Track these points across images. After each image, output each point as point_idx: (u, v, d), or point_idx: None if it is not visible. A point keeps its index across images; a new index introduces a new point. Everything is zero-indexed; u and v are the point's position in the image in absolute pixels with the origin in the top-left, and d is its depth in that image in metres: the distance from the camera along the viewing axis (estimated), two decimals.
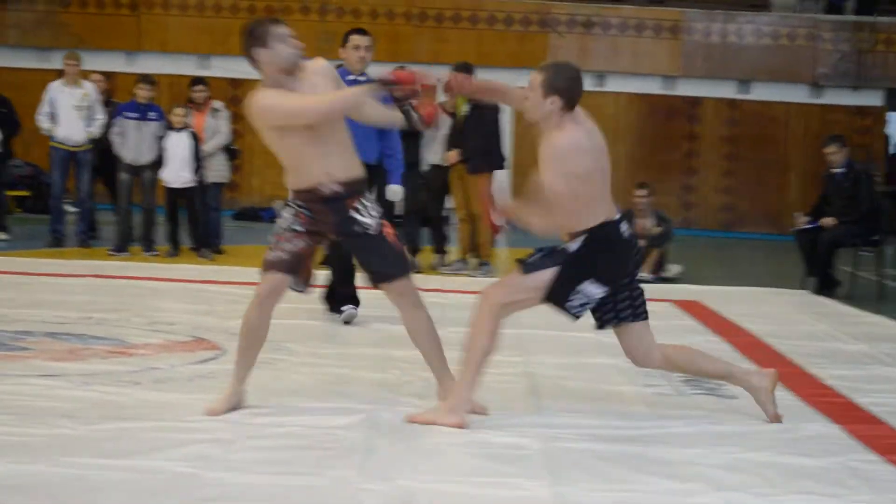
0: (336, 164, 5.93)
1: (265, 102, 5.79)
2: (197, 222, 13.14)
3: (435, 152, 12.85)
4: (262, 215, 19.25)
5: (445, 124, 12.80)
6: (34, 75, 19.34)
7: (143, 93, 13.22)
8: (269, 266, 5.90)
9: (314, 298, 9.25)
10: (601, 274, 5.76)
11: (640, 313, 5.98)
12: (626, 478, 4.94)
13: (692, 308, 10.31)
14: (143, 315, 8.67)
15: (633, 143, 20.39)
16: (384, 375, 6.82)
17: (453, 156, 12.34)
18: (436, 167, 12.93)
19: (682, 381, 6.99)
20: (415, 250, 12.80)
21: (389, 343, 7.84)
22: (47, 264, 11.60)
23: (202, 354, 7.32)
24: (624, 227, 5.87)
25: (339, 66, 8.85)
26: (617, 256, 5.82)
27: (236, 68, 18.80)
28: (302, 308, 9.19)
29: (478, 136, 12.22)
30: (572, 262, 5.75)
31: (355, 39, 8.85)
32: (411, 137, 12.68)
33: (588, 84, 20.22)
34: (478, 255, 12.67)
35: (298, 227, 5.93)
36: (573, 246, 5.77)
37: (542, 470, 4.99)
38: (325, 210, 5.92)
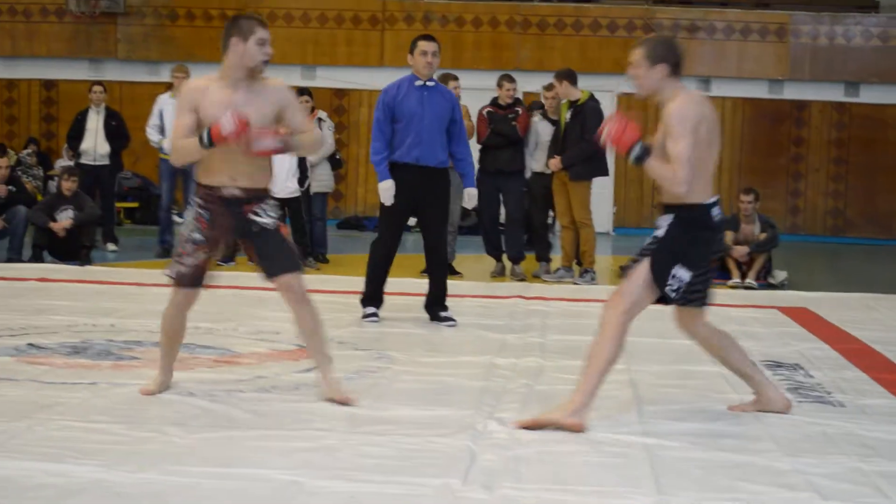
0: (241, 171, 6.17)
1: (182, 91, 6.28)
2: (302, 232, 13.25)
3: (538, 160, 12.84)
4: (366, 224, 19.34)
5: (547, 132, 12.78)
6: (143, 88, 19.66)
7: None
8: (177, 281, 6.27)
9: (415, 307, 9.30)
10: (688, 259, 5.90)
11: (706, 299, 6.10)
12: (733, 487, 4.90)
13: (799, 315, 10.18)
14: (249, 324, 8.77)
15: (739, 148, 20.18)
16: (487, 383, 6.82)
17: (555, 163, 12.30)
18: (538, 175, 12.92)
19: (789, 388, 6.91)
20: (518, 258, 12.79)
21: (491, 351, 7.84)
22: (156, 275, 11.74)
23: (306, 363, 7.37)
24: (716, 211, 5.97)
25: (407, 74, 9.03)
26: (703, 242, 5.96)
27: (341, 78, 18.97)
28: (404, 316, 9.25)
29: (580, 142, 12.17)
30: (662, 248, 5.90)
31: (422, 45, 8.99)
32: (514, 146, 12.70)
33: (693, 89, 20.01)
34: (581, 262, 12.62)
35: (198, 238, 6.21)
36: (660, 232, 5.93)
37: (648, 479, 4.97)
38: (224, 212, 6.19)
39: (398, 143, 8.95)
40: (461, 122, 9.19)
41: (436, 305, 9.13)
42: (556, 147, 12.41)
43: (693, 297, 6.03)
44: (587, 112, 12.16)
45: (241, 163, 6.13)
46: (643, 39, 6.10)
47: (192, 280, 6.26)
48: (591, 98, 12.37)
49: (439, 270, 9.19)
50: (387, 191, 8.91)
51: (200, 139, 6.00)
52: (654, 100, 6.08)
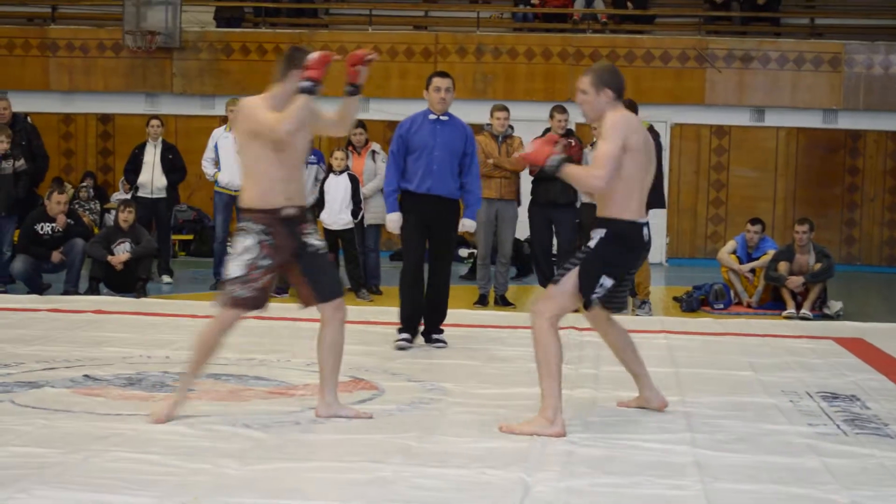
0: (294, 190, 6.50)
1: (251, 106, 6.44)
2: (356, 263, 13.29)
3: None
4: None
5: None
6: (199, 122, 19.83)
7: None
8: (241, 303, 6.49)
9: (468, 338, 9.28)
10: (613, 270, 6.47)
11: (624, 305, 6.98)
12: None
13: (855, 346, 10.09)
14: (303, 355, 8.78)
15: (794, 178, 20.06)
16: None
17: None
18: (588, 206, 12.87)
19: (845, 420, 6.85)
20: None
21: None
22: (211, 307, 11.80)
23: (360, 394, 7.40)
24: (646, 231, 6.56)
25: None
26: (630, 255, 6.54)
27: (394, 111, 19.04)
28: (458, 347, 9.25)
29: None
30: (591, 260, 6.46)
31: (437, 82, 9.44)
32: None
33: (747, 119, 19.90)
34: (635, 293, 12.56)
35: (267, 263, 6.43)
36: (591, 242, 6.49)
37: None
38: (285, 233, 6.43)
39: (412, 173, 9.35)
40: (473, 154, 9.56)
41: (433, 330, 9.50)
42: None
43: (614, 302, 6.67)
44: None
45: (294, 181, 6.49)
46: (588, 69, 6.60)
47: (256, 303, 6.52)
48: (652, 129, 12.33)
49: (439, 296, 9.49)
50: (394, 222, 9.39)
51: (306, 89, 6.33)
52: (599, 123, 6.55)
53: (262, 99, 6.50)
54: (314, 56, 6.40)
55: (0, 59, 20.67)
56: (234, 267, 6.46)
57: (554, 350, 6.33)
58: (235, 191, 14.03)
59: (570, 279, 6.40)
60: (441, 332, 9.48)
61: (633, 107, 12.24)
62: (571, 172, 6.39)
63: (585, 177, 6.43)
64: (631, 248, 6.49)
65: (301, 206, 6.53)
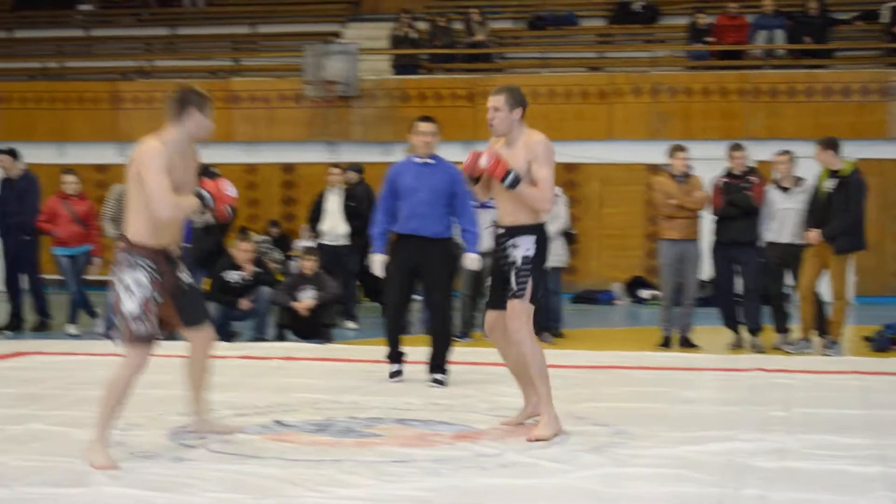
0: (177, 231, 6.91)
1: (150, 154, 6.56)
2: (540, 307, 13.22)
3: (771, 230, 12.55)
4: (599, 298, 19.29)
5: (779, 200, 12.50)
6: (380, 169, 20.05)
7: None
8: (142, 339, 6.61)
9: (653, 381, 9.16)
10: (543, 270, 7.56)
11: None
12: None
13: None
14: (488, 400, 8.80)
15: None
16: (729, 459, 6.69)
17: (814, 236, 11.98)
18: (772, 244, 12.65)
19: None
20: (756, 329, 12.57)
21: (733, 426, 7.67)
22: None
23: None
24: None
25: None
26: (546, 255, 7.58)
27: (571, 153, 19.06)
28: (639, 391, 9.14)
29: (842, 215, 11.85)
30: (536, 265, 7.41)
31: (419, 126, 9.83)
32: (749, 216, 12.50)
33: None
34: (825, 333, 12.29)
35: (159, 298, 6.64)
36: (529, 252, 7.36)
37: None
38: (169, 270, 6.73)
39: (400, 215, 9.74)
40: (463, 195, 9.80)
41: (433, 369, 9.72)
42: (815, 217, 12.07)
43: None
44: (852, 185, 11.88)
45: (178, 223, 6.79)
46: (500, 88, 7.39)
47: (154, 337, 6.68)
48: (857, 171, 12.07)
49: (437, 333, 9.81)
50: (377, 263, 9.85)
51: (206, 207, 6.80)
52: (505, 138, 7.40)
53: (160, 144, 6.59)
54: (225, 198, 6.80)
55: None
56: (130, 304, 6.62)
57: (539, 352, 7.45)
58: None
59: (528, 290, 7.40)
60: (440, 370, 9.72)
61: (835, 145, 12.03)
62: (526, 191, 7.23)
63: (540, 199, 7.28)
64: (547, 248, 7.52)
65: (179, 246, 6.89)
